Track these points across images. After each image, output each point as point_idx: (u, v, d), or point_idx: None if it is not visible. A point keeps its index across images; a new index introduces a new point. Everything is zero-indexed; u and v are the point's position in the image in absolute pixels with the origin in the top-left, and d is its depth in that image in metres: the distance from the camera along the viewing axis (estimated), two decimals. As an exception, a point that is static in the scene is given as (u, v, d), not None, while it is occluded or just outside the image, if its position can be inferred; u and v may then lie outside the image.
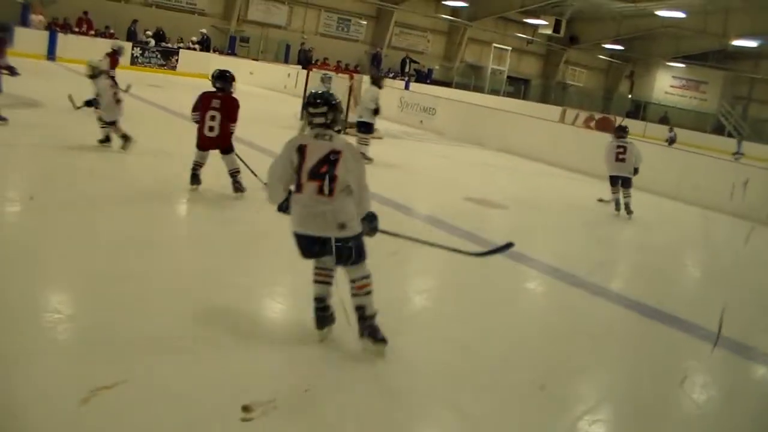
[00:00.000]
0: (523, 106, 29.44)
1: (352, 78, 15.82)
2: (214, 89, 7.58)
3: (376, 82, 12.15)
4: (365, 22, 34.40)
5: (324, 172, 3.96)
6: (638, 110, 39.58)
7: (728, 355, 5.26)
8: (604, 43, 39.90)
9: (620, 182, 10.39)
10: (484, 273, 6.27)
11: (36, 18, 23.78)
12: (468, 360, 4.44)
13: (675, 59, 40.50)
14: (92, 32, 24.83)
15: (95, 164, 8.50)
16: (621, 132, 10.84)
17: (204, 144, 7.61)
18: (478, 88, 35.82)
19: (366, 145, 11.88)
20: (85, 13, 24.96)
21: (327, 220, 3.97)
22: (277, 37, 31.33)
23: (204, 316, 4.43)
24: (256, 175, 7.52)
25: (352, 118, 14.82)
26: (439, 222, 8.07)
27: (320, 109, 4.08)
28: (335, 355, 4.15)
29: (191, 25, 27.86)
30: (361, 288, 4.16)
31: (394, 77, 31.48)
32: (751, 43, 31.17)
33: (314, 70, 18.01)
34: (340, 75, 18.07)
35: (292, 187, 4.07)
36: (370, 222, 4.19)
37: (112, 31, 25.17)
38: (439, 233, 7.53)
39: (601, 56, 42.91)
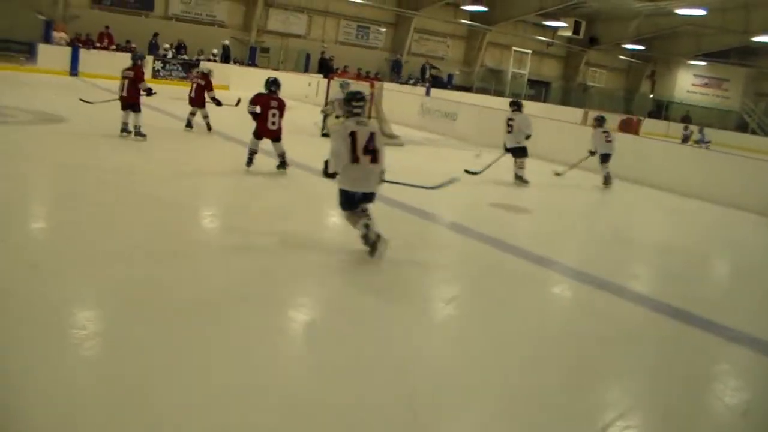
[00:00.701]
0: (544, 108, 29.30)
1: (372, 86, 15.79)
2: (267, 92, 9.99)
3: (520, 107, 12.34)
4: (384, 29, 34.44)
5: (372, 149, 6.00)
6: (660, 110, 39.24)
7: (761, 358, 5.16)
8: (624, 43, 39.53)
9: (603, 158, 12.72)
10: (509, 277, 6.22)
11: (58, 35, 24.06)
12: (496, 365, 4.40)
13: (696, 57, 40.11)
14: (113, 47, 25.05)
15: (122, 179, 8.53)
16: (602, 122, 13.05)
17: (263, 134, 9.87)
18: (498, 92, 35.74)
19: (522, 168, 12.00)
20: (107, 27, 25.20)
21: (375, 179, 6.12)
22: (297, 46, 31.44)
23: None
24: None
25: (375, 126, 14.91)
26: (465, 228, 8.02)
27: (360, 103, 6.17)
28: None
29: (211, 37, 28.03)
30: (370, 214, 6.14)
31: (414, 84, 31.47)
32: (773, 39, 30.78)
33: (335, 78, 18.01)
34: (360, 82, 18.10)
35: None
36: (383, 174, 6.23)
37: (133, 45, 25.37)
38: (465, 239, 7.50)
39: (621, 56, 42.55)
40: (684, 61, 41.67)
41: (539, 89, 39.36)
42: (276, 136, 9.95)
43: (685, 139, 26.31)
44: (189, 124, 13.58)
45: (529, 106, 27.87)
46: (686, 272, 7.71)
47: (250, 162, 9.84)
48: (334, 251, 6.54)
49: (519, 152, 11.96)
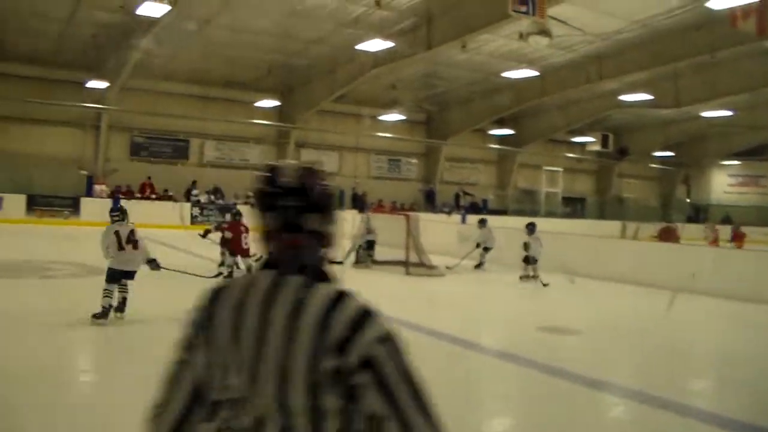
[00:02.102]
0: (581, 225, 29.08)
1: (408, 219, 15.81)
2: (235, 220, 12.28)
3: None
4: (415, 161, 34.95)
5: (134, 239, 8.39)
6: (698, 214, 38.89)
7: None
8: (654, 151, 39.76)
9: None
10: (566, 404, 5.82)
11: (99, 188, 24.72)
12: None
13: (728, 157, 40.06)
14: (154, 195, 25.63)
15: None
16: (533, 229, 15.04)
17: (238, 252, 12.04)
18: (533, 213, 35.67)
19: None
20: (149, 178, 25.91)
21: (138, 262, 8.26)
22: (330, 183, 31.75)
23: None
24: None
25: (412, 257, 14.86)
26: (512, 356, 7.64)
27: (115, 213, 8.40)
28: None
29: (246, 181, 28.52)
30: None
31: (449, 212, 31.49)
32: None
33: (370, 213, 18.09)
34: (395, 216, 18.21)
35: None
36: None
37: (171, 193, 25.95)
38: (512, 367, 7.15)
39: (652, 165, 42.61)
40: (717, 162, 41.65)
41: (574, 206, 39.28)
42: (248, 253, 11.85)
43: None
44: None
45: (565, 224, 27.86)
46: (750, 382, 7.19)
47: (230, 275, 11.22)
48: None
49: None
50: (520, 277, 14.55)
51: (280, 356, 1.64)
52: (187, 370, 1.80)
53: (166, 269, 8.63)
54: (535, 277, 14.31)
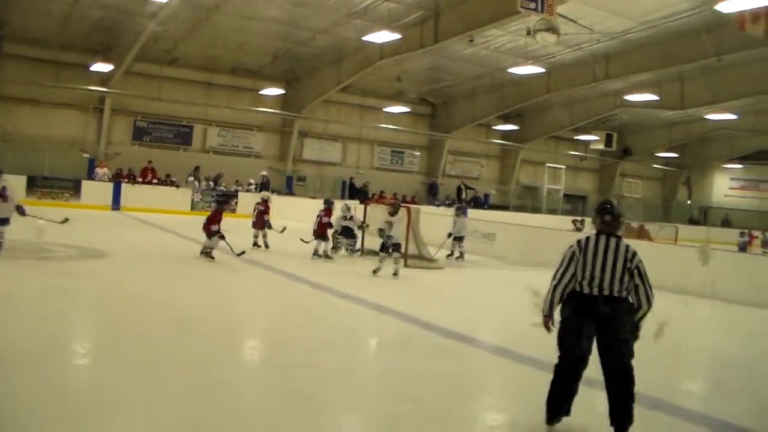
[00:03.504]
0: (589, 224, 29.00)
1: (409, 211, 15.68)
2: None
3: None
4: (419, 153, 34.90)
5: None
6: (699, 216, 38.93)
7: None
8: (658, 152, 39.75)
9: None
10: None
11: (101, 171, 24.69)
12: None
13: (731, 161, 40.06)
14: (155, 180, 25.60)
15: (166, 313, 8.36)
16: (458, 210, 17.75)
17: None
18: (535, 209, 35.72)
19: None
20: (150, 162, 25.86)
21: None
22: (333, 174, 31.85)
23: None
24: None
25: (412, 249, 14.80)
26: (506, 351, 7.62)
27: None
28: None
29: (249, 168, 28.54)
30: None
31: (449, 205, 31.46)
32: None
33: (372, 204, 18.04)
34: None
35: None
36: None
37: (173, 178, 25.92)
38: (507, 363, 7.14)
39: (655, 165, 42.62)
40: (719, 165, 41.64)
41: (576, 204, 39.26)
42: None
43: (743, 247, 25.42)
44: (255, 244, 15.39)
45: (566, 222, 27.87)
46: (743, 385, 7.17)
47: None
48: (375, 387, 6.21)
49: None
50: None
51: (611, 263, 4.75)
52: (572, 265, 4.85)
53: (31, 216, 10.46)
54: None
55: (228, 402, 5.30)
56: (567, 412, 4.99)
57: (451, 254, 16.81)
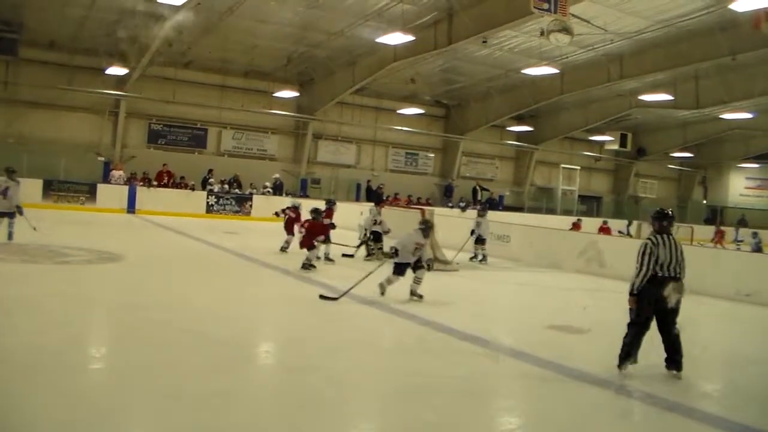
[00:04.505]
0: (597, 223, 28.84)
1: (423, 214, 15.68)
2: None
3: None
4: (433, 155, 34.88)
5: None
6: (715, 216, 38.70)
7: None
8: (673, 152, 39.49)
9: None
10: (573, 403, 5.77)
11: (116, 173, 24.83)
12: None
13: (746, 160, 39.83)
14: (171, 183, 25.71)
15: (175, 317, 8.39)
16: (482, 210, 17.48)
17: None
18: (550, 210, 35.62)
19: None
20: (164, 165, 25.96)
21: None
22: (347, 176, 31.91)
23: None
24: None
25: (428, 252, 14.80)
26: (521, 354, 7.59)
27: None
28: None
29: (264, 171, 28.61)
30: None
31: (465, 207, 31.39)
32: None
33: (386, 206, 18.01)
34: (411, 209, 18.18)
35: None
36: None
37: (189, 182, 25.99)
38: (522, 365, 7.10)
39: (670, 165, 42.42)
40: (734, 165, 41.40)
41: (590, 204, 39.13)
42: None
43: (757, 248, 25.18)
44: (283, 249, 15.32)
45: (582, 223, 27.77)
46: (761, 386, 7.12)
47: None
48: (388, 390, 6.20)
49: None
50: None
51: (675, 254, 6.81)
52: (651, 257, 6.73)
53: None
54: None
55: (242, 405, 5.31)
56: (635, 359, 6.79)
57: (474, 257, 16.81)
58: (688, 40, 21.06)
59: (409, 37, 19.54)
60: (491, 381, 6.72)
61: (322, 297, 9.53)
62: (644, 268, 6.73)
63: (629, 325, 6.84)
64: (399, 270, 10.27)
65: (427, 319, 8.98)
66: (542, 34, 17.85)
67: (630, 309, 6.83)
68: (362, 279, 9.95)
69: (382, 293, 10.27)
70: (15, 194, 13.41)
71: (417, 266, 10.32)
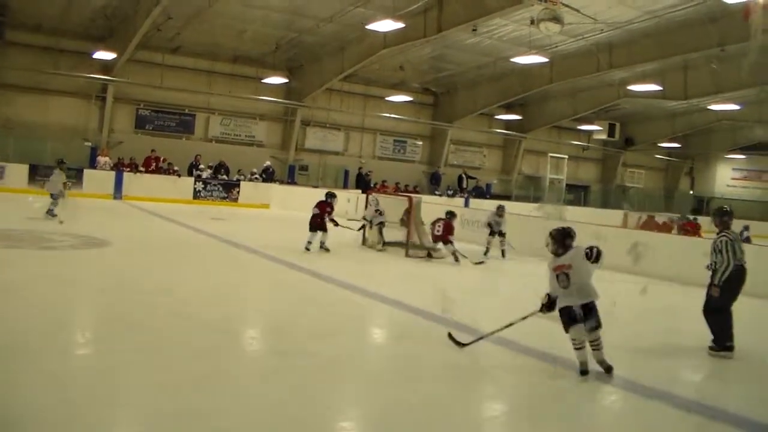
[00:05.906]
0: (584, 213, 28.91)
1: (410, 201, 15.64)
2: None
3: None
4: (421, 143, 34.81)
5: None
6: (701, 206, 38.94)
7: None
8: (660, 142, 39.77)
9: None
10: (562, 392, 5.80)
11: (102, 159, 24.67)
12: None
13: (733, 151, 40.11)
14: (158, 169, 25.57)
15: (159, 300, 8.36)
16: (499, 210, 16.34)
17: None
18: (537, 199, 35.62)
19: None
20: (153, 151, 25.79)
21: None
22: (335, 163, 31.81)
23: None
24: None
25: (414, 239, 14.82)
26: (509, 343, 7.60)
27: None
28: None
29: (251, 157, 28.52)
30: None
31: (452, 195, 31.46)
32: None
33: (373, 193, 17.98)
34: (398, 196, 18.16)
35: None
36: None
37: (176, 168, 25.86)
38: (511, 354, 7.13)
39: (658, 155, 42.61)
40: (722, 156, 41.65)
41: (578, 193, 39.27)
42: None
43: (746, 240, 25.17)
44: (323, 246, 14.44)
45: (568, 212, 27.78)
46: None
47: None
48: (373, 374, 6.22)
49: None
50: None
51: (741, 246, 7.65)
52: (733, 248, 7.51)
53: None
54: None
55: (228, 389, 5.32)
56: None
57: (486, 252, 16.33)
58: (677, 30, 21.11)
59: (399, 24, 19.45)
60: (476, 366, 6.74)
61: (450, 338, 8.40)
62: (727, 261, 7.46)
63: (715, 311, 7.56)
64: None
65: (412, 306, 9.00)
66: (532, 22, 17.87)
67: (713, 298, 7.53)
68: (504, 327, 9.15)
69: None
70: (55, 180, 15.96)
71: None
